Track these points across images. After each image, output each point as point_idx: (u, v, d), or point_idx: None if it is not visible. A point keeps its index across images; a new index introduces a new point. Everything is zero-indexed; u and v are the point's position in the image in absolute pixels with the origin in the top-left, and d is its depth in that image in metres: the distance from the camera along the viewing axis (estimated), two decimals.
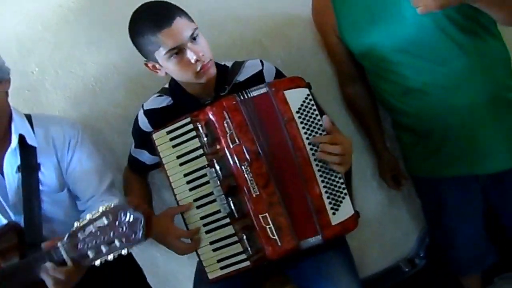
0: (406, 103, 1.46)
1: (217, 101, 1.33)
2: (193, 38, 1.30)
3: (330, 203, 1.31)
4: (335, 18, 1.48)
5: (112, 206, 1.05)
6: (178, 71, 1.33)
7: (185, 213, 1.38)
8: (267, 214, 1.31)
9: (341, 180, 1.33)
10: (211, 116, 1.31)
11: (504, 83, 1.40)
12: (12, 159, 1.37)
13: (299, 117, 1.30)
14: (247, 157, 1.30)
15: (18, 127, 1.37)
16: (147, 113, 1.45)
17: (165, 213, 1.40)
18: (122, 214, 1.03)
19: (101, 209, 1.06)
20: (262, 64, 1.45)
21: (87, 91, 1.64)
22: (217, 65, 1.40)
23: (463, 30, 1.34)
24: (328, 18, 1.50)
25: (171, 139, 1.36)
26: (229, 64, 1.46)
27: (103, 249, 1.06)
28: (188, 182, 1.36)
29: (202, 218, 1.37)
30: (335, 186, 1.32)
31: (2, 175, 1.37)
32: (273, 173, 1.31)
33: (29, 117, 1.43)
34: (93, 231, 1.06)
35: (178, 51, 1.29)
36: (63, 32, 1.59)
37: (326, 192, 1.31)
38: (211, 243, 1.37)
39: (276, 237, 1.32)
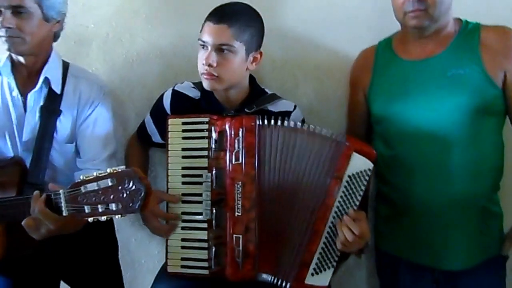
0: (398, 176, 1.49)
1: (239, 116, 1.38)
2: (220, 49, 1.36)
3: (316, 264, 1.35)
4: (370, 78, 1.54)
5: (120, 170, 1.08)
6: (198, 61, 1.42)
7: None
8: (241, 236, 1.34)
9: (338, 253, 1.35)
10: (227, 127, 1.36)
11: (490, 194, 1.46)
12: (37, 98, 1.43)
13: (347, 181, 1.32)
14: (242, 178, 1.34)
15: (49, 70, 1.43)
16: (174, 93, 1.51)
17: (154, 192, 1.43)
18: (127, 181, 1.07)
19: (109, 170, 1.09)
20: (294, 108, 1.50)
21: (125, 63, 1.71)
22: (256, 86, 1.49)
23: (478, 133, 1.39)
24: (364, 76, 1.56)
25: (183, 131, 1.40)
26: (269, 91, 1.53)
27: (100, 208, 1.09)
28: (183, 176, 1.40)
29: (183, 213, 1.40)
30: (331, 254, 1.35)
31: (25, 109, 1.43)
32: (262, 202, 1.34)
33: (66, 65, 1.49)
34: (95, 189, 1.09)
35: (203, 46, 1.38)
36: (129, 1, 1.68)
37: (320, 253, 1.35)
38: (183, 240, 1.40)
39: (240, 260, 1.35)
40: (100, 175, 1.09)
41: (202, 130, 1.39)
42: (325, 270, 1.36)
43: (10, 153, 1.44)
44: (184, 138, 1.41)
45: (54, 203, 1.16)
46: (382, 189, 1.58)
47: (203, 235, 1.38)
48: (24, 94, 1.43)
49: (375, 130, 1.57)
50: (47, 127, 1.42)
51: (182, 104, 1.47)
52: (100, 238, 1.58)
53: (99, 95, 1.49)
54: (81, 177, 1.11)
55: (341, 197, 1.33)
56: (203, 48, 1.39)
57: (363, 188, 1.33)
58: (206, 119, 1.39)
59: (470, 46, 1.41)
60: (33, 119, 1.42)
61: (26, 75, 1.44)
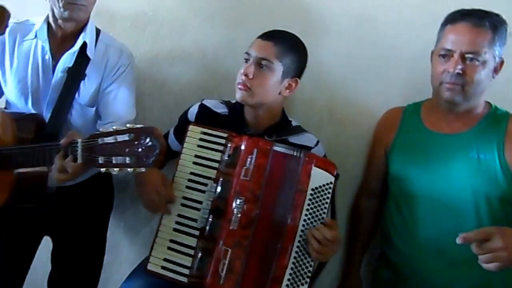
0: (405, 243, 1.51)
1: (255, 137, 1.45)
2: (260, 64, 1.45)
3: (289, 279, 1.36)
4: (394, 138, 1.59)
5: (139, 126, 1.14)
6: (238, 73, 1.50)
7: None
8: (230, 250, 1.37)
9: (310, 268, 1.38)
10: (242, 145, 1.42)
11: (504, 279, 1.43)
12: (67, 60, 1.51)
13: (311, 195, 1.38)
14: (247, 195, 1.39)
15: (86, 36, 1.52)
16: (202, 107, 1.58)
17: (162, 174, 1.46)
18: (144, 137, 1.12)
19: (128, 125, 1.14)
20: (316, 144, 1.55)
21: (168, 56, 1.81)
22: (284, 117, 1.56)
23: (491, 217, 1.42)
24: (388, 134, 1.61)
25: (201, 140, 1.47)
26: (294, 123, 1.59)
27: (113, 160, 1.14)
28: (189, 180, 1.45)
29: (179, 215, 1.44)
30: (302, 269, 1.38)
31: (53, 72, 1.51)
32: (258, 222, 1.38)
33: (98, 32, 1.58)
34: (112, 141, 1.15)
35: (246, 60, 1.48)
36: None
37: (291, 268, 1.36)
38: (171, 241, 1.42)
39: (223, 274, 1.37)
40: (119, 129, 1.15)
41: (218, 144, 1.45)
42: (298, 286, 1.36)
43: (31, 110, 1.52)
44: (199, 146, 1.47)
45: (71, 152, 1.22)
46: (386, 250, 1.59)
47: (192, 242, 1.41)
48: (55, 57, 1.51)
49: (390, 190, 1.60)
50: (70, 88, 1.49)
51: (209, 119, 1.54)
52: (97, 200, 1.62)
53: (125, 63, 1.57)
54: (100, 130, 1.18)
55: (307, 210, 1.37)
56: (246, 62, 1.48)
57: (327, 200, 1.39)
58: (225, 135, 1.45)
59: (495, 133, 1.45)
60: (59, 79, 1.50)
61: (60, 39, 1.52)
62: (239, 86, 1.47)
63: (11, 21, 1.49)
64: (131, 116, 1.59)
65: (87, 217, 1.64)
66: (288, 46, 1.48)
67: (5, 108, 1.60)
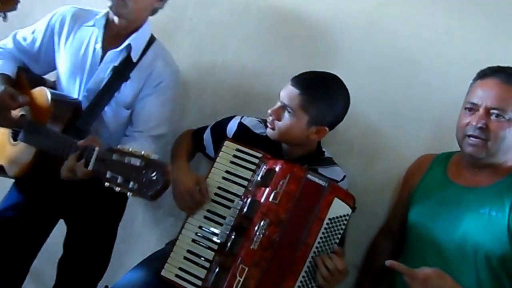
0: None
1: (291, 163, 1.46)
2: (285, 108, 1.47)
3: None
4: (418, 183, 1.60)
5: (152, 157, 1.16)
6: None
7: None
8: (247, 268, 1.38)
9: None
10: (277, 168, 1.44)
11: None
12: (114, 58, 1.55)
13: (327, 224, 1.40)
14: (272, 218, 1.40)
15: (134, 39, 1.55)
16: (241, 125, 1.60)
17: (199, 177, 1.48)
18: (152, 169, 1.15)
19: (143, 152, 1.17)
20: (343, 179, 1.58)
21: (208, 63, 1.84)
22: (318, 147, 1.60)
23: (491, 275, 1.41)
24: (414, 178, 1.62)
25: (234, 156, 1.49)
26: (326, 154, 1.62)
27: (119, 179, 1.17)
28: (215, 194, 1.46)
29: (200, 227, 1.45)
30: None
31: (99, 64, 1.55)
32: (278, 245, 1.39)
33: (152, 40, 1.61)
34: (124, 161, 1.17)
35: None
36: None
37: None
38: (188, 251, 1.44)
39: None
40: (134, 152, 1.18)
41: (251, 162, 1.47)
42: None
43: (75, 95, 1.56)
44: (232, 162, 1.48)
45: (86, 156, 1.26)
46: None
47: (209, 255, 1.42)
48: (104, 49, 1.55)
49: (407, 236, 1.60)
50: (112, 86, 1.53)
51: (246, 137, 1.56)
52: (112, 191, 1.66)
53: (169, 78, 1.59)
54: (118, 146, 1.21)
55: (321, 237, 1.39)
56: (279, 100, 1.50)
57: (341, 231, 1.41)
58: (260, 155, 1.47)
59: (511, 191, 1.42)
60: (102, 73, 1.54)
61: (113, 34, 1.56)
62: (268, 123, 1.51)
63: (77, 7, 1.59)
64: (160, 131, 1.61)
65: (101, 206, 1.66)
66: (318, 96, 1.45)
67: (54, 84, 1.67)
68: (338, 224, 1.42)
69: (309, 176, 1.42)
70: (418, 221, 1.54)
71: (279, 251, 1.39)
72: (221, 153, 1.49)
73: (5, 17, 1.32)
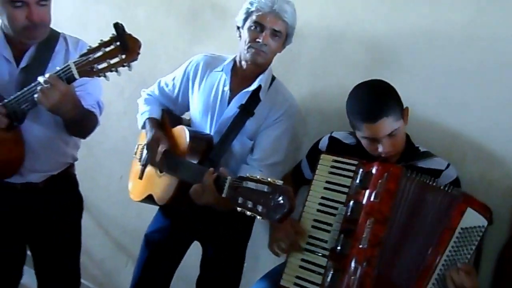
0: None
1: (387, 163, 1.54)
2: (390, 134, 1.52)
3: None
4: None
5: (278, 184, 1.29)
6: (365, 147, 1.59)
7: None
8: (360, 267, 1.45)
9: None
10: (374, 170, 1.52)
11: None
12: (242, 97, 1.75)
13: (459, 234, 1.41)
14: (376, 216, 1.47)
15: (263, 79, 1.74)
16: (332, 138, 1.72)
17: (295, 223, 1.59)
18: (279, 194, 1.27)
19: (270, 179, 1.31)
20: (447, 167, 1.58)
21: (324, 96, 1.97)
22: (410, 144, 1.63)
23: None
24: None
25: (332, 167, 1.60)
26: (422, 149, 1.65)
27: (249, 204, 1.31)
28: (320, 204, 1.58)
29: (310, 237, 1.56)
30: None
31: (228, 104, 1.77)
32: (387, 244, 1.45)
33: (273, 78, 1.81)
34: (253, 188, 1.32)
35: (372, 140, 1.54)
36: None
37: None
38: (302, 260, 1.55)
39: None
40: (262, 180, 1.31)
41: (349, 170, 1.57)
42: None
43: (207, 130, 1.79)
44: (330, 172, 1.59)
45: (219, 184, 1.43)
46: None
47: (323, 261, 1.51)
48: (231, 91, 1.76)
49: None
50: (239, 122, 1.73)
51: (338, 149, 1.67)
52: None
53: (287, 113, 1.75)
54: (247, 174, 1.35)
55: (452, 247, 1.40)
56: (371, 142, 1.56)
57: (475, 243, 1.40)
58: (356, 162, 1.57)
59: None
60: (231, 112, 1.74)
61: (240, 78, 1.77)
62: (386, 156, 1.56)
63: (208, 54, 1.85)
64: (277, 158, 1.74)
65: (233, 228, 1.81)
66: (391, 109, 1.50)
67: (189, 122, 1.91)
68: (471, 235, 1.41)
69: (407, 175, 1.48)
70: None
71: (387, 248, 1.44)
72: (319, 166, 1.61)
73: (129, 67, 1.49)
